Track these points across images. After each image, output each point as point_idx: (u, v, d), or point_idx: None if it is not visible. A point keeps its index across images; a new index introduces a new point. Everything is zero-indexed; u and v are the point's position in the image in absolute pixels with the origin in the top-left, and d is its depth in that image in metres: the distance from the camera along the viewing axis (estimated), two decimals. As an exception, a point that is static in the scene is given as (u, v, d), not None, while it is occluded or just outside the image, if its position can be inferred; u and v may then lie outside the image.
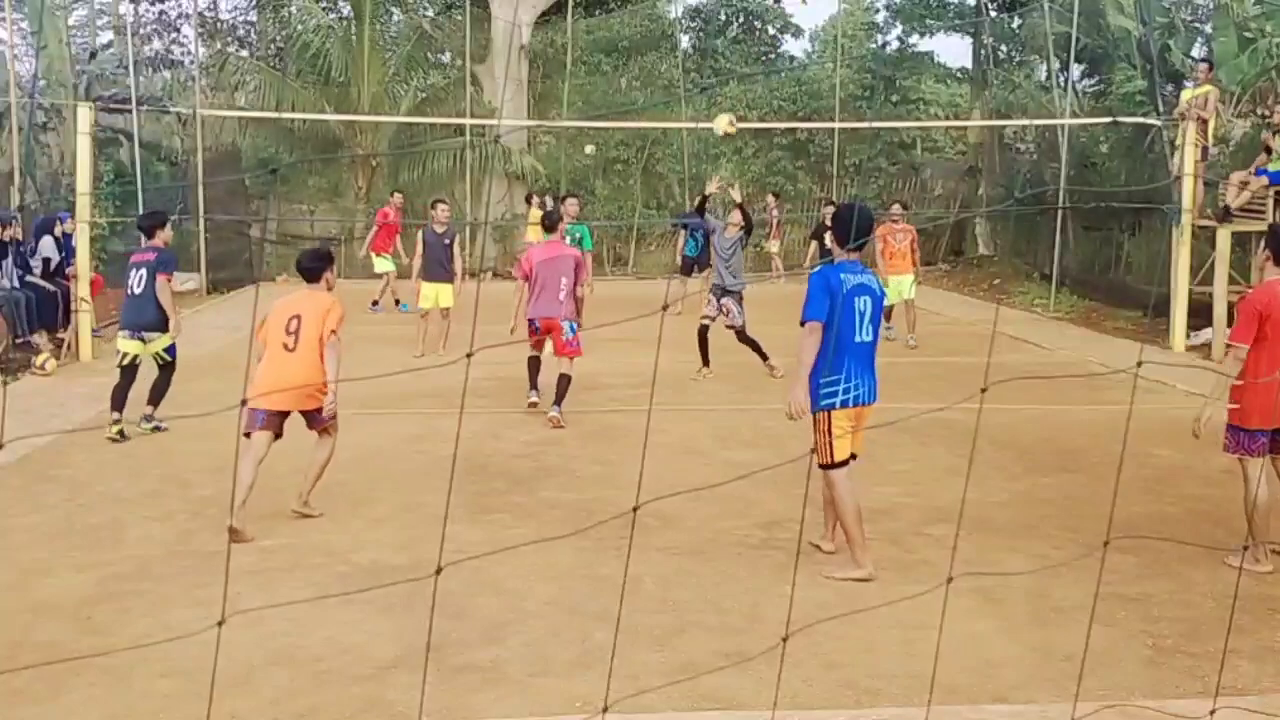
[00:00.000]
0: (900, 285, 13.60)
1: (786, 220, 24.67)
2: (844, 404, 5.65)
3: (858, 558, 5.70)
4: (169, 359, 8.97)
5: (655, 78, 26.89)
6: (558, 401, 9.38)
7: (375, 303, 16.87)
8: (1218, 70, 15.76)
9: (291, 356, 6.70)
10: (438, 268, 12.95)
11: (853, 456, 5.84)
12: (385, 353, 12.69)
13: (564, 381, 9.43)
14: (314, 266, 7.03)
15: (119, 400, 8.79)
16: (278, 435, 6.73)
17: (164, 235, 9.11)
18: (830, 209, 15.79)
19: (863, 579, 5.63)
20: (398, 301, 16.53)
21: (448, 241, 13.01)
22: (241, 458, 6.52)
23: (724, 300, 11.16)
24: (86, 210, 12.63)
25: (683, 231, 17.24)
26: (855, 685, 4.51)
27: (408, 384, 9.65)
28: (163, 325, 8.81)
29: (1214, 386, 5.88)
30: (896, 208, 14.15)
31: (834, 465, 5.74)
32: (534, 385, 9.84)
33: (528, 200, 22.53)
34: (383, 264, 17.08)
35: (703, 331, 11.27)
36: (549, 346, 9.86)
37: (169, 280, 8.84)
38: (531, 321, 9.65)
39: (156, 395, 8.94)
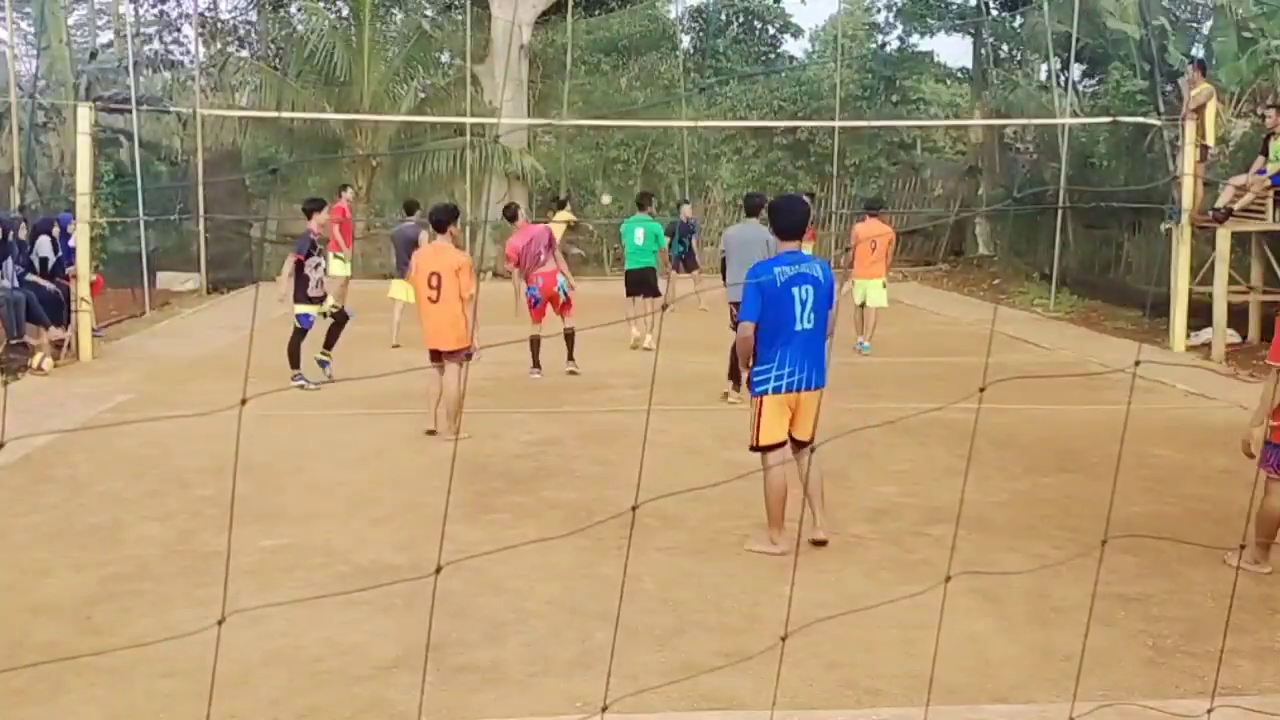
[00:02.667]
0: (864, 288, 13.19)
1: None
2: (775, 390, 5.88)
3: (771, 534, 6.03)
4: (334, 314, 10.90)
5: (655, 78, 26.89)
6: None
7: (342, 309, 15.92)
8: (1217, 70, 15.75)
9: (436, 307, 8.61)
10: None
11: (805, 444, 6.02)
12: (386, 352, 12.70)
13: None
14: (443, 219, 8.86)
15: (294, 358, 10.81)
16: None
17: (317, 219, 10.86)
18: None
19: (776, 554, 5.93)
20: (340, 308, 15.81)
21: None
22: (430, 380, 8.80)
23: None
24: (86, 210, 12.63)
25: (669, 237, 17.40)
26: (855, 685, 4.51)
27: (408, 384, 9.64)
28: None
29: (1258, 406, 5.80)
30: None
31: (759, 448, 6.01)
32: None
33: (562, 204, 22.46)
34: (339, 267, 15.75)
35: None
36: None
37: (296, 258, 10.63)
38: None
39: (330, 340, 10.92)
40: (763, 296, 5.79)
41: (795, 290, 5.79)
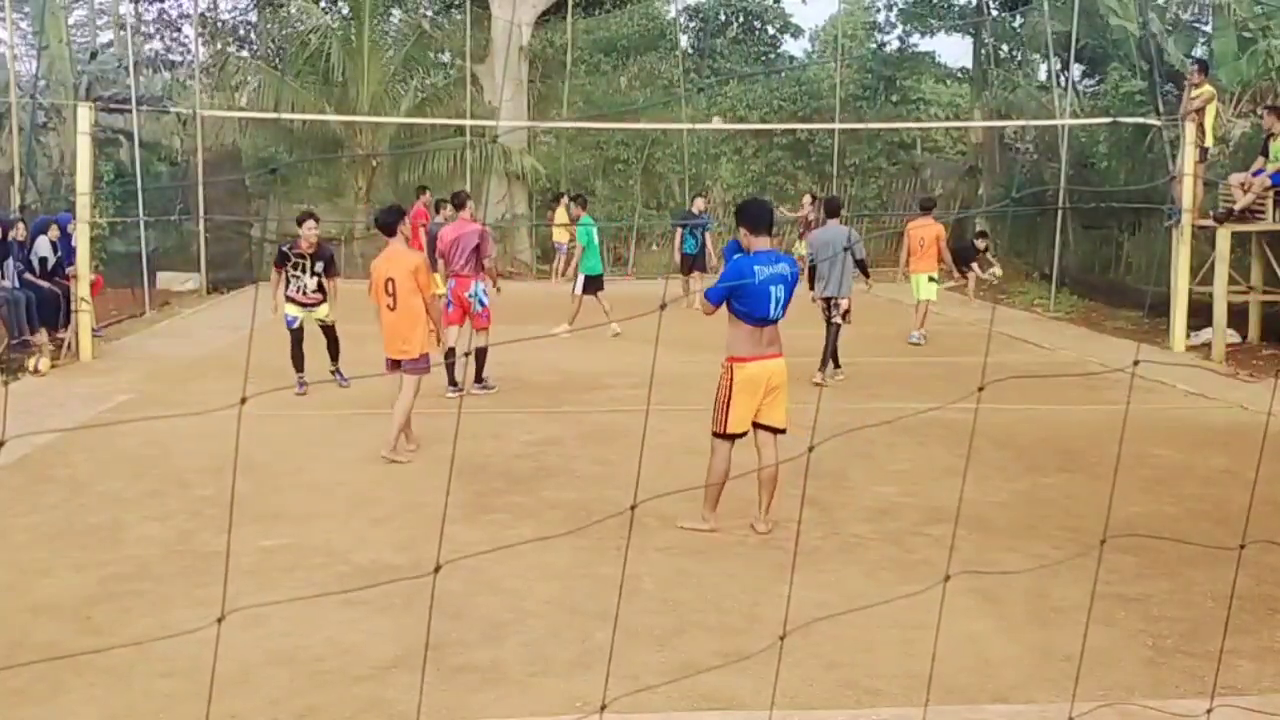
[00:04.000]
0: (917, 283, 14.12)
1: (787, 221, 24.67)
2: (743, 358, 6.38)
3: (704, 513, 6.50)
4: (324, 326, 10.85)
5: (655, 78, 26.89)
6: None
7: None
8: (1217, 71, 15.73)
9: (394, 314, 8.16)
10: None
11: (779, 432, 6.47)
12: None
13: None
14: (390, 221, 8.39)
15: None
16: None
17: (305, 233, 10.56)
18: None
19: (707, 530, 6.43)
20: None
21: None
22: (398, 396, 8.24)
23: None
24: (86, 210, 12.63)
25: (680, 230, 17.46)
26: (855, 685, 4.51)
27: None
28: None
29: None
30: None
31: (725, 435, 6.41)
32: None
33: (557, 200, 22.51)
34: None
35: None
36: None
37: (276, 269, 10.81)
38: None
39: (332, 353, 10.87)
40: (744, 290, 6.33)
41: (772, 288, 6.32)
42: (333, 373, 10.82)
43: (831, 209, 11.56)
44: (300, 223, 10.70)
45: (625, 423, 9.28)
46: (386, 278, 8.15)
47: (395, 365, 8.26)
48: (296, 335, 10.63)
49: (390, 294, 8.13)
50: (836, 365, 11.28)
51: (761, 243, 6.42)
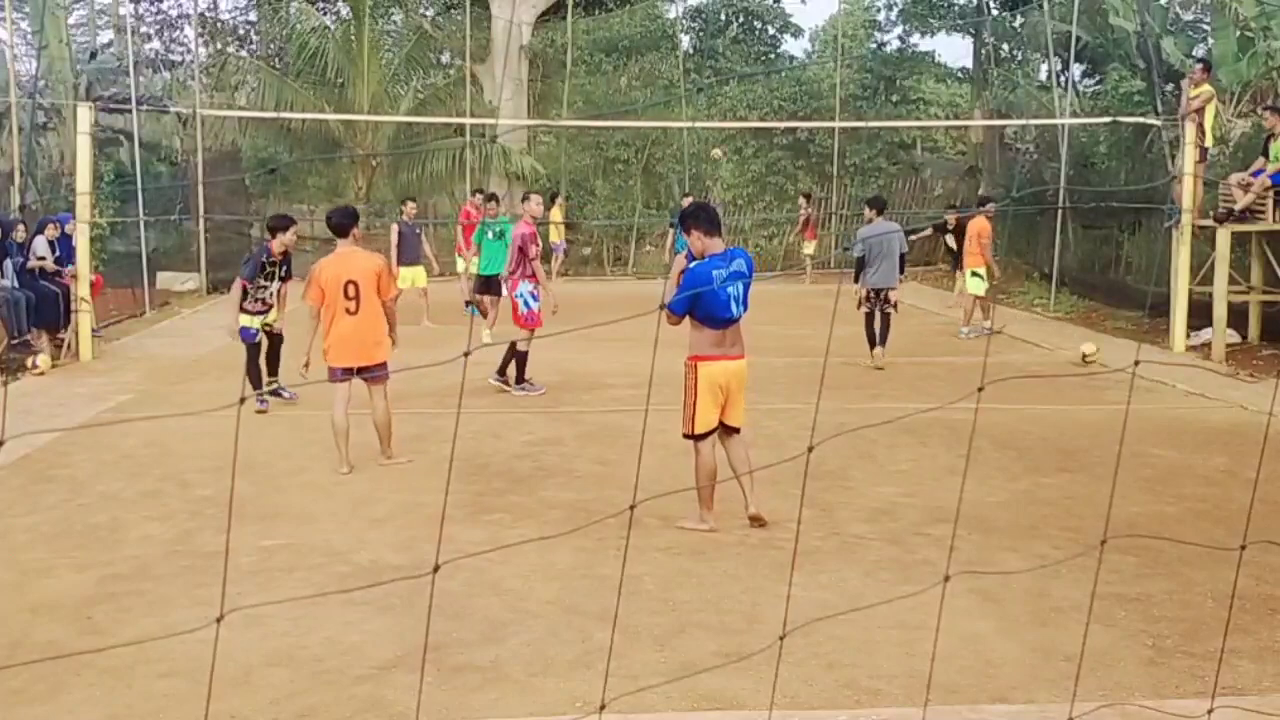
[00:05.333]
0: (964, 277, 14.91)
1: (785, 220, 24.70)
2: (706, 358, 6.54)
3: (702, 513, 6.53)
4: (271, 333, 10.12)
5: (655, 78, 26.89)
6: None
7: (469, 303, 15.27)
8: (1217, 71, 15.73)
9: (356, 320, 7.78)
10: (414, 254, 15.36)
11: (734, 430, 6.59)
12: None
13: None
14: (344, 223, 8.04)
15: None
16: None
17: (281, 239, 9.87)
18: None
19: (706, 530, 6.44)
20: (468, 303, 15.29)
21: (418, 231, 15.62)
22: (334, 407, 7.89)
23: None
24: (86, 210, 12.63)
25: (671, 230, 17.51)
26: (855, 685, 4.51)
27: (407, 383, 9.63)
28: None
29: None
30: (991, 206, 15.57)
31: (694, 436, 6.52)
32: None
33: (553, 199, 22.48)
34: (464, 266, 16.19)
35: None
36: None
37: (241, 284, 9.83)
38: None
39: (271, 365, 10.15)
40: (702, 296, 6.40)
41: (730, 289, 6.45)
42: (273, 390, 10.06)
43: (878, 205, 12.34)
44: (285, 228, 9.98)
45: (625, 423, 9.28)
46: (347, 280, 7.77)
47: (348, 373, 7.87)
48: (255, 350, 9.89)
49: (352, 297, 7.76)
50: (883, 344, 12.10)
51: (715, 245, 6.48)
